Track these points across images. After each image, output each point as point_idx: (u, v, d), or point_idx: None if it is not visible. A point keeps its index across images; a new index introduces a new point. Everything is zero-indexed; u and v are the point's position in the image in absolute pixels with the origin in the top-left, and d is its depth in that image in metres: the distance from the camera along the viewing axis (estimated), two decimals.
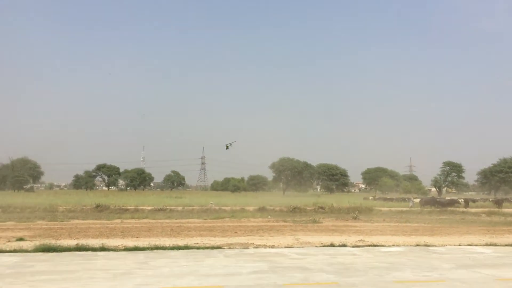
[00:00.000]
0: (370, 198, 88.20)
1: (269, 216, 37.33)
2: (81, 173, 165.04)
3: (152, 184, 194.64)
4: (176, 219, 34.02)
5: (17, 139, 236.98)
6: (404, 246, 20.21)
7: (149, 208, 44.16)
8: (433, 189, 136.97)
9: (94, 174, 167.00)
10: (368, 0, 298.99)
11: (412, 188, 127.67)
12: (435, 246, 20.29)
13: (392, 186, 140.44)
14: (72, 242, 18.84)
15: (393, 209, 50.20)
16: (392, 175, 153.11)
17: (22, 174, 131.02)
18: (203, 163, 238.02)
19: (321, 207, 46.46)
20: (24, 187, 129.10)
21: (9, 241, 19.87)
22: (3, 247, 17.82)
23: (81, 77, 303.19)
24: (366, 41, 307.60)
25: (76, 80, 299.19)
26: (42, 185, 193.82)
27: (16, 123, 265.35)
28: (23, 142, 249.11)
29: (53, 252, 16.81)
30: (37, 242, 18.54)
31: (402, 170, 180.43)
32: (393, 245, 20.25)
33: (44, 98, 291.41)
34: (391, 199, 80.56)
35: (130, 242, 19.48)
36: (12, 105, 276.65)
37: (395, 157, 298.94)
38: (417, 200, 63.17)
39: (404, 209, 50.37)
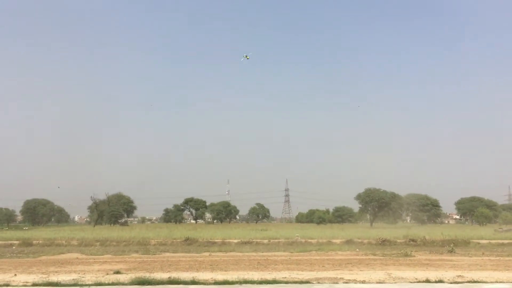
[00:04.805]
0: (498, 229, 77.82)
1: (357, 249, 36.16)
2: (170, 207, 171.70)
3: (237, 217, 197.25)
4: (262, 252, 33.99)
5: (112, 176, 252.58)
6: (509, 282, 18.54)
7: (236, 241, 44.57)
8: None
9: (182, 207, 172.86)
10: None
11: None
12: None
13: (490, 216, 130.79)
14: (164, 276, 19.43)
15: (492, 241, 46.51)
16: (490, 205, 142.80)
17: (117, 209, 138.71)
18: (287, 195, 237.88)
19: (413, 240, 44.14)
20: (119, 221, 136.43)
21: (107, 274, 20.93)
22: (102, 280, 18.79)
23: (164, 117, 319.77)
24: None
25: (159, 119, 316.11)
26: (135, 219, 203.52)
27: (110, 161, 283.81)
28: (117, 178, 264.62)
29: (147, 285, 17.44)
30: (133, 275, 19.36)
31: (500, 200, 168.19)
32: (496, 282, 18.65)
33: (133, 139, 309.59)
34: None
35: (219, 276, 19.71)
36: (107, 146, 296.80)
37: (492, 186, 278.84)
38: None
39: (506, 241, 46.46)
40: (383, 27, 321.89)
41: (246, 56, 61.61)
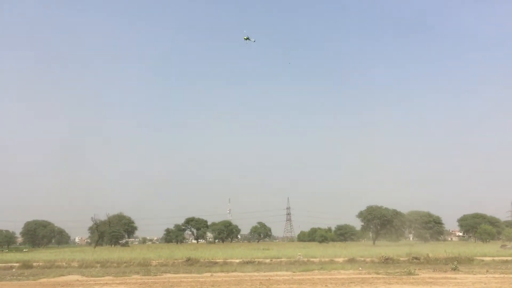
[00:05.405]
0: (503, 246, 77.47)
1: (360, 268, 35.82)
2: (171, 227, 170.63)
3: (239, 236, 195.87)
4: (264, 271, 33.69)
5: (113, 197, 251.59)
6: None
7: (238, 260, 44.22)
8: None
9: (183, 227, 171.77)
10: None
11: None
12: None
13: (494, 233, 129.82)
14: None
15: (496, 258, 46.09)
16: (492, 221, 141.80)
17: (118, 230, 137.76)
18: (288, 214, 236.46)
19: (416, 258, 43.78)
20: (120, 242, 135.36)
21: None
22: None
23: (164, 136, 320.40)
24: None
25: (159, 139, 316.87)
26: (136, 239, 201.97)
27: (111, 182, 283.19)
28: (118, 199, 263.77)
29: None
30: None
31: (503, 216, 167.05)
32: None
33: (133, 159, 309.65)
34: None
35: None
36: (107, 166, 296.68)
37: (495, 202, 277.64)
38: None
39: (510, 258, 46.03)
40: (389, 50, 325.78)
41: (248, 39, 61.25)
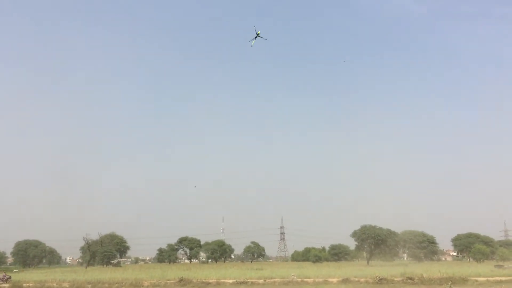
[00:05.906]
0: (498, 266, 77.19)
1: None
2: (164, 246, 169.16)
3: (232, 256, 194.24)
4: None
5: (105, 216, 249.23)
6: None
7: (231, 281, 43.89)
8: None
9: (176, 247, 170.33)
10: None
11: (511, 255, 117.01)
12: None
13: (487, 253, 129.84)
14: None
15: (490, 278, 46.01)
16: (486, 241, 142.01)
17: (110, 250, 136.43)
18: (282, 233, 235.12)
19: (410, 278, 43.71)
20: (112, 261, 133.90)
21: None
22: None
23: (158, 156, 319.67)
24: None
25: (153, 159, 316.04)
26: (128, 259, 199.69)
27: (104, 201, 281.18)
28: (111, 218, 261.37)
29: None
30: None
31: (496, 236, 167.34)
32: None
33: (126, 177, 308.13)
34: None
35: None
36: (101, 185, 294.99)
37: (488, 221, 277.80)
38: None
39: (504, 278, 45.97)
40: (383, 65, 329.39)
41: (258, 34, 60.47)
